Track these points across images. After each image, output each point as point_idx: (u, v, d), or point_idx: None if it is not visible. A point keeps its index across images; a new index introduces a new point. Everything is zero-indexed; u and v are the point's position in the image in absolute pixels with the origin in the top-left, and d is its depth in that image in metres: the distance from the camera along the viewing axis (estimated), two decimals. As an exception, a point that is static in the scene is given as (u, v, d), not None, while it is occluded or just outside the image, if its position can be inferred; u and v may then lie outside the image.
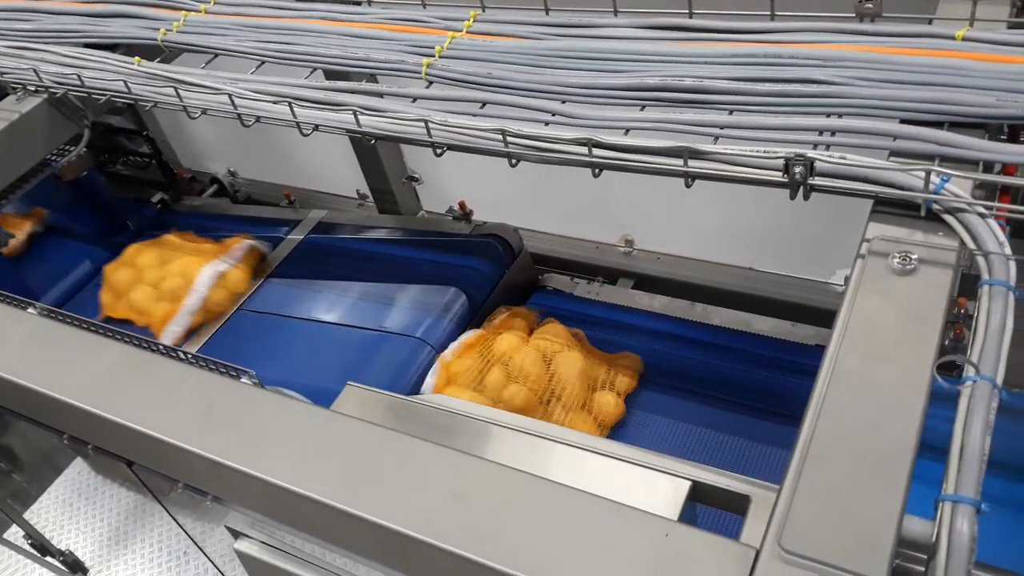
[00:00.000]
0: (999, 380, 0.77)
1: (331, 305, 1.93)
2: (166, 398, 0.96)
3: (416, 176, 2.29)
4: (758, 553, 0.67)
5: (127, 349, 1.04)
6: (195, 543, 1.54)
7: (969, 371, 0.77)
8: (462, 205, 2.14)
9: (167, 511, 1.34)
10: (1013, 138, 1.03)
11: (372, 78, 1.41)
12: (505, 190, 2.24)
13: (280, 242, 2.18)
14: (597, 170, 1.08)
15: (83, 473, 2.68)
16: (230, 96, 1.30)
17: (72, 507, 2.59)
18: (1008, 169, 0.98)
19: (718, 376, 1.67)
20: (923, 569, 0.70)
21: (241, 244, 2.12)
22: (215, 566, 1.63)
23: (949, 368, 0.80)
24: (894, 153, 0.97)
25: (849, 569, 0.64)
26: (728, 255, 2.08)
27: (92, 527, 2.52)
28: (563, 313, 1.94)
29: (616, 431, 1.62)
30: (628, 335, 1.86)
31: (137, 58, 1.50)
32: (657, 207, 2.10)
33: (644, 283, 2.11)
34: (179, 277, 2.05)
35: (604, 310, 1.97)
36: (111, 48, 1.57)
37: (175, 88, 1.36)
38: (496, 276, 1.95)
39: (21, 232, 2.29)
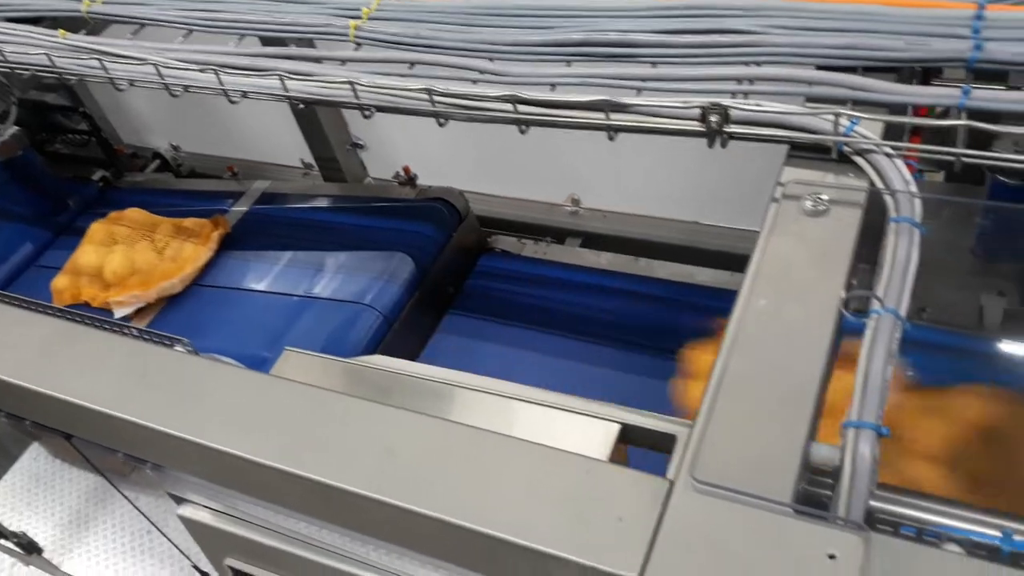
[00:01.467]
0: (903, 312, 0.80)
1: (277, 275, 1.93)
2: (99, 369, 0.96)
3: (360, 143, 2.27)
4: (672, 484, 0.70)
5: (58, 323, 1.03)
6: (150, 521, 1.55)
7: (875, 305, 0.81)
8: (406, 170, 2.14)
9: (115, 487, 1.34)
10: (926, 81, 1.06)
11: (309, 43, 1.40)
12: (452, 154, 2.24)
13: (225, 214, 2.16)
14: (524, 127, 1.09)
15: (39, 459, 2.65)
16: (155, 66, 1.28)
17: (30, 493, 2.57)
18: (920, 111, 1.02)
19: (659, 327, 1.71)
20: (830, 493, 0.74)
21: None
22: (173, 544, 1.64)
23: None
24: (811, 99, 0.99)
25: (756, 494, 0.67)
26: (674, 210, 2.11)
27: (52, 511, 2.50)
28: (511, 274, 1.96)
29: (560, 383, 1.65)
30: (574, 293, 1.89)
31: (61, 31, 1.46)
32: (603, 165, 2.12)
33: (592, 241, 2.13)
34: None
35: (550, 269, 1.99)
36: (34, 22, 1.53)
37: (100, 60, 1.34)
38: (442, 240, 1.96)
39: (211, 242, 2.06)
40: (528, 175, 2.21)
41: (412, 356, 1.83)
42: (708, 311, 1.74)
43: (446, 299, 1.96)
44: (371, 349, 1.72)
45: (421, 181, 2.17)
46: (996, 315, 1.32)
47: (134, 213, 2.19)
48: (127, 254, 2.07)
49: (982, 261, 1.36)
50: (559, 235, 2.15)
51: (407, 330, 1.84)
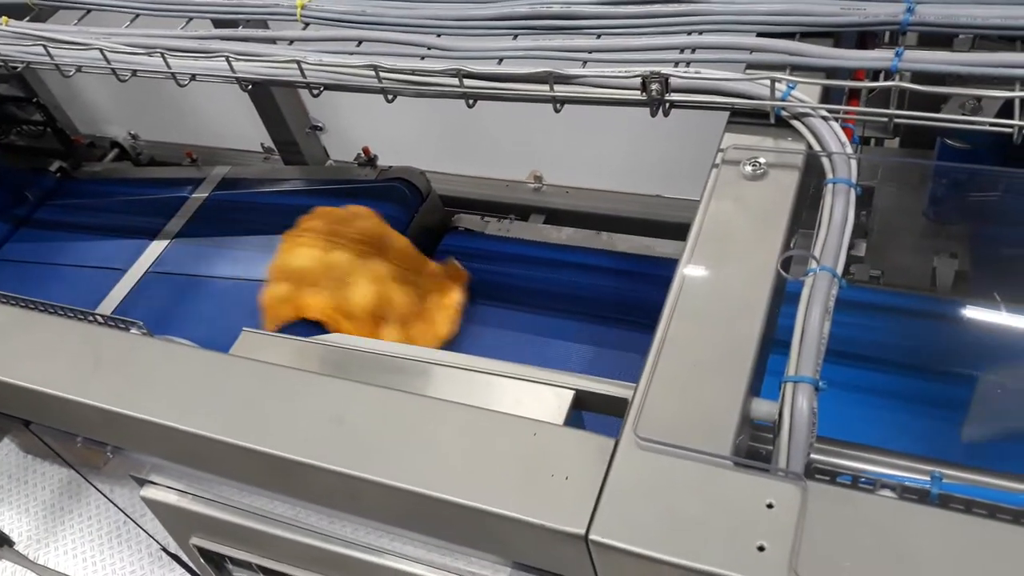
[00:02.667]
0: (839, 270, 0.82)
1: (240, 261, 1.92)
2: (55, 353, 0.96)
3: (319, 125, 2.26)
4: (617, 443, 0.72)
5: (12, 310, 1.03)
6: (118, 507, 1.55)
7: (811, 264, 0.83)
8: (366, 151, 2.14)
9: (82, 476, 1.34)
10: (863, 45, 1.08)
11: (262, 25, 1.39)
12: (413, 134, 2.24)
13: (185, 201, 2.14)
14: (471, 100, 1.10)
15: (10, 454, 2.63)
16: (101, 51, 1.27)
17: (1, 489, 2.55)
18: (857, 74, 1.04)
19: (619, 299, 1.73)
20: (772, 447, 0.76)
21: None
22: (142, 528, 1.64)
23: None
24: (751, 66, 1.01)
25: (697, 449, 0.70)
26: (636, 184, 2.12)
27: (26, 506, 2.49)
28: (475, 252, 1.97)
29: (525, 357, 1.67)
30: (538, 269, 1.91)
31: (4, 18, 1.44)
32: (566, 142, 2.12)
33: (555, 217, 2.14)
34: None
35: (514, 246, 2.01)
36: (-24, 10, 1.51)
37: (44, 47, 1.32)
38: (405, 220, 1.96)
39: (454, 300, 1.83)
40: (490, 153, 2.21)
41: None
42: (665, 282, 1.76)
43: (411, 279, 1.97)
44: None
45: (384, 162, 2.17)
46: (948, 277, 1.35)
47: (400, 243, 1.86)
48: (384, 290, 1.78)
49: (934, 224, 1.39)
50: (523, 212, 2.16)
51: (372, 311, 1.84)
